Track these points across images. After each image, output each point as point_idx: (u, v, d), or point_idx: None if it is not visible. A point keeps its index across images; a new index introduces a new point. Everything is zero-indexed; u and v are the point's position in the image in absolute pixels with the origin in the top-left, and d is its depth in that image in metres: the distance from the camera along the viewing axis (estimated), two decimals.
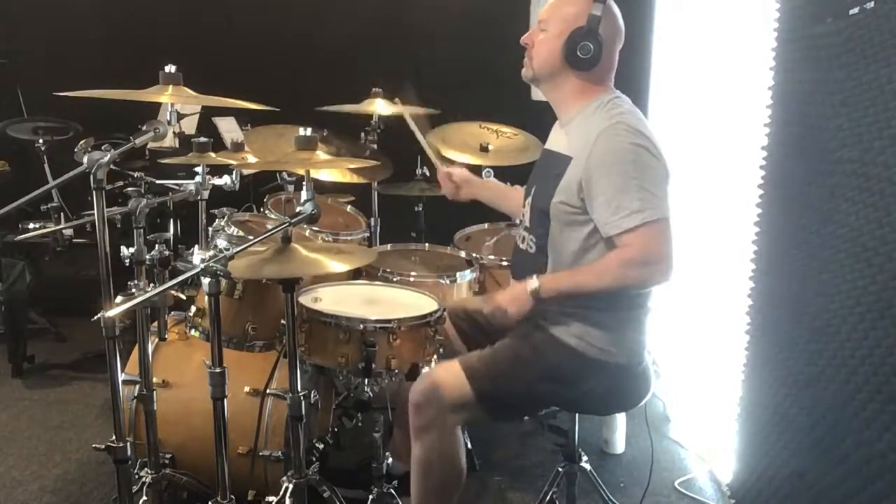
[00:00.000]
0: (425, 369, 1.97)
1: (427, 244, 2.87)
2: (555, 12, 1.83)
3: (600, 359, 1.80)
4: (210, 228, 2.41)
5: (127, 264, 1.88)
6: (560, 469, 2.09)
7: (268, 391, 2.09)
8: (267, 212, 2.79)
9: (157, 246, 1.94)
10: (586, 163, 1.73)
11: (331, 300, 2.11)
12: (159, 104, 2.63)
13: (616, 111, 1.78)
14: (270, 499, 1.93)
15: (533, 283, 1.76)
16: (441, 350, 2.03)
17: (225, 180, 2.41)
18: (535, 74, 1.88)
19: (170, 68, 1.86)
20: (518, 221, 2.03)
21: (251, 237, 2.01)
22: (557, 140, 1.92)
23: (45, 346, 3.54)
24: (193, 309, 2.17)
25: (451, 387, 1.77)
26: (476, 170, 2.95)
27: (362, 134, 3.06)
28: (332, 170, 2.87)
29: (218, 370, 1.71)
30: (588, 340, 1.80)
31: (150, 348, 1.98)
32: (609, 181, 1.69)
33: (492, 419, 1.92)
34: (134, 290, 1.87)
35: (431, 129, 2.87)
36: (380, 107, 2.89)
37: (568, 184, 1.77)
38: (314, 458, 2.16)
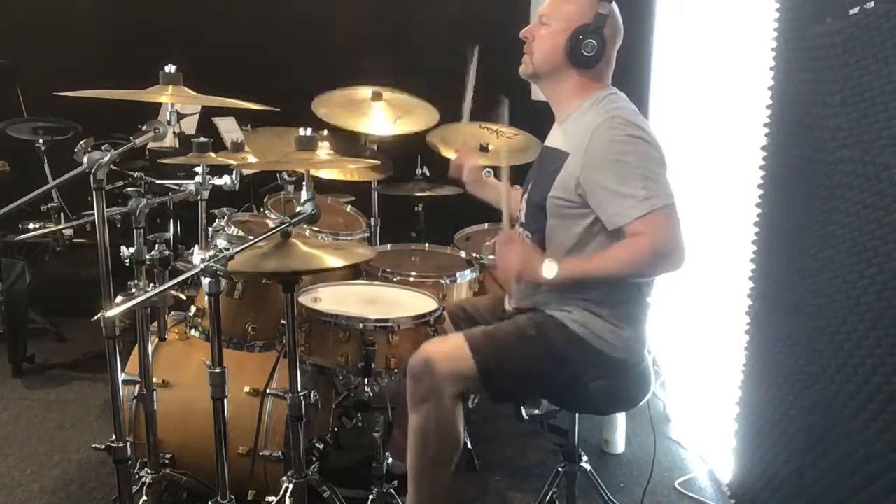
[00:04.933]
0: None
1: (427, 244, 2.87)
2: (558, 8, 1.84)
3: (601, 349, 1.81)
4: (210, 228, 2.41)
5: (127, 264, 1.88)
6: (560, 469, 2.09)
7: (268, 391, 2.09)
8: (267, 212, 2.79)
9: (157, 246, 1.95)
10: (584, 157, 1.74)
11: (330, 300, 2.11)
12: (159, 104, 2.63)
13: (612, 106, 1.79)
14: (270, 499, 1.93)
15: (551, 269, 1.72)
16: None
17: (225, 180, 2.41)
18: (535, 70, 1.88)
19: (170, 68, 1.86)
20: (516, 217, 2.03)
21: (251, 237, 2.01)
22: (555, 137, 1.93)
23: (45, 346, 3.54)
24: (193, 309, 2.17)
25: (452, 358, 1.78)
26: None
27: (363, 135, 3.06)
28: (332, 170, 2.86)
29: (218, 370, 1.71)
30: (589, 328, 1.81)
31: (150, 348, 1.98)
32: (610, 174, 1.70)
33: (489, 397, 1.92)
34: (134, 290, 1.87)
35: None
36: (378, 113, 2.87)
37: (565, 179, 1.78)
38: (314, 458, 2.15)
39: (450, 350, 1.80)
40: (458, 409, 1.84)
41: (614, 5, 1.83)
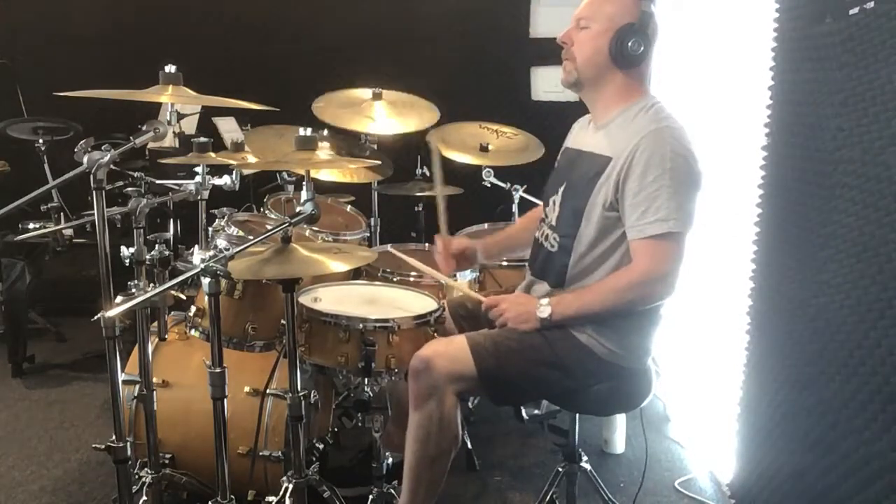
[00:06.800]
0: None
1: (427, 244, 2.87)
2: (597, 9, 1.81)
3: (606, 359, 1.81)
4: (210, 228, 2.41)
5: (127, 264, 1.88)
6: (560, 469, 2.09)
7: (268, 391, 2.09)
8: (267, 212, 2.78)
9: (157, 246, 1.94)
10: (626, 164, 1.73)
11: (331, 300, 2.11)
12: (159, 104, 2.64)
13: (662, 115, 1.78)
14: (270, 499, 1.93)
15: (544, 310, 1.79)
16: None
17: (225, 180, 2.40)
18: (578, 76, 1.84)
19: (170, 68, 1.86)
20: (542, 218, 2.02)
21: (251, 237, 2.01)
22: (593, 141, 1.91)
23: (45, 346, 3.54)
24: (193, 309, 2.17)
25: (453, 358, 1.78)
26: (476, 169, 2.96)
27: (362, 134, 3.07)
28: (332, 170, 2.86)
29: (218, 370, 1.71)
30: (598, 339, 1.81)
31: (150, 348, 1.98)
32: (643, 184, 1.70)
33: (490, 398, 1.93)
34: (134, 290, 1.87)
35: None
36: (379, 111, 2.87)
37: (607, 184, 1.77)
38: (314, 458, 2.15)
39: (451, 350, 1.80)
40: (458, 407, 1.84)
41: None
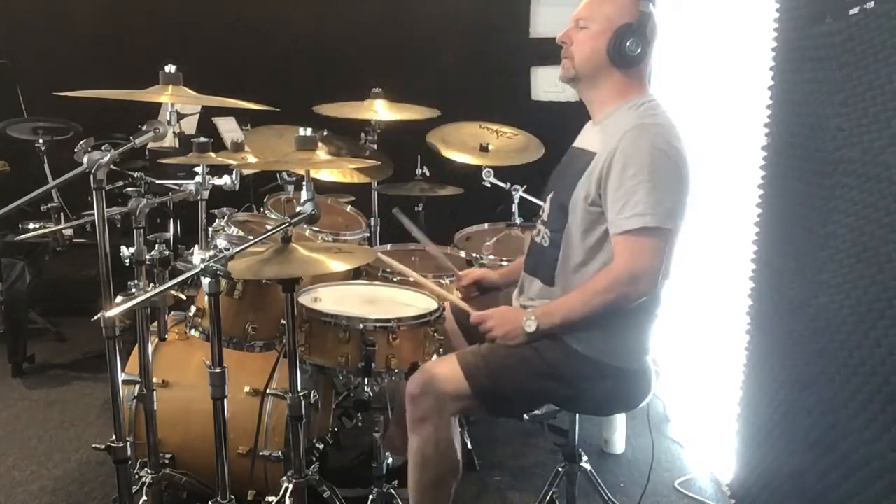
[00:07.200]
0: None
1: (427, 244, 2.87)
2: (596, 9, 1.82)
3: (602, 361, 1.79)
4: (210, 228, 2.41)
5: (127, 264, 1.88)
6: (560, 469, 2.09)
7: (268, 391, 2.09)
8: (267, 212, 2.78)
9: (157, 246, 1.94)
10: (608, 159, 1.73)
11: (331, 300, 2.11)
12: (159, 104, 2.64)
13: (649, 113, 1.78)
14: (270, 499, 1.93)
15: (530, 325, 1.78)
16: (441, 350, 2.03)
17: (225, 180, 2.40)
18: (576, 73, 1.85)
19: (170, 68, 1.86)
20: (539, 214, 2.02)
21: (251, 237, 2.01)
22: (587, 138, 1.92)
23: (45, 346, 3.54)
24: (193, 309, 2.17)
25: (447, 380, 1.78)
26: (476, 169, 2.96)
27: (362, 134, 3.07)
28: (332, 170, 2.87)
29: (218, 370, 1.71)
30: (591, 343, 1.79)
31: (150, 348, 1.98)
32: (622, 179, 1.70)
33: (489, 414, 1.92)
34: (134, 290, 1.87)
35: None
36: (379, 108, 2.88)
37: (589, 180, 1.77)
38: (314, 458, 2.15)
39: (445, 372, 1.79)
40: (456, 432, 1.85)
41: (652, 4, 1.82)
